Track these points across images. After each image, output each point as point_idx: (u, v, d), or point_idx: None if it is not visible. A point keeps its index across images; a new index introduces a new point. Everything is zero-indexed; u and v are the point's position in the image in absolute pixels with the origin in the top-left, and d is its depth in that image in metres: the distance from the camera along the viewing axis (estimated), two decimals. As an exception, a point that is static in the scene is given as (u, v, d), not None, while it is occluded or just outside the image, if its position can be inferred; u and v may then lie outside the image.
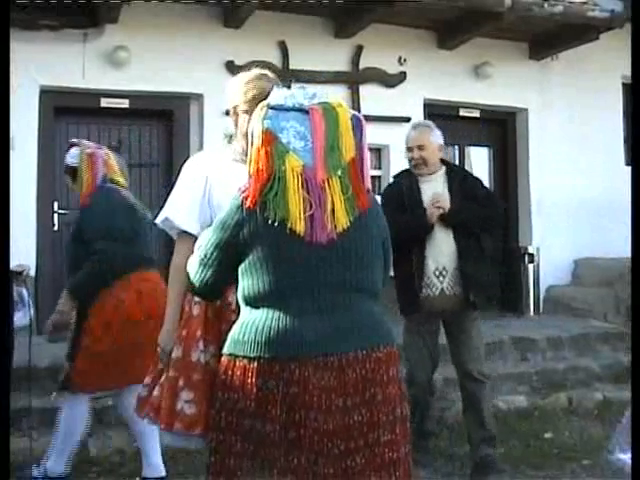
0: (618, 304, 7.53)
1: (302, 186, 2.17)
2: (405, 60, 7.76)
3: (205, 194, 2.80)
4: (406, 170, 4.73)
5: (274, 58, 7.19)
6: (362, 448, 2.15)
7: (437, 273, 4.35)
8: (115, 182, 4.11)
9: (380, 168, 7.77)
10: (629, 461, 2.68)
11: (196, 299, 2.72)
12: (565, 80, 8.40)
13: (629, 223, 2.98)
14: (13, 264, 3.49)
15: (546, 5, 7.07)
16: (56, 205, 6.79)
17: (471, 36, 7.63)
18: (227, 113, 2.94)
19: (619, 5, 7.25)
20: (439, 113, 7.88)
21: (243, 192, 2.23)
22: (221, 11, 7.04)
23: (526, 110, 8.41)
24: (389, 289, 2.60)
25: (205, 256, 2.30)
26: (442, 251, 4.37)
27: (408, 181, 4.56)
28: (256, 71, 2.87)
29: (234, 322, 2.35)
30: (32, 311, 3.29)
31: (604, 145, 8.38)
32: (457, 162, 8.05)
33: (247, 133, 2.35)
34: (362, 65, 7.60)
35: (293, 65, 7.20)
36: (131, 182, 7.04)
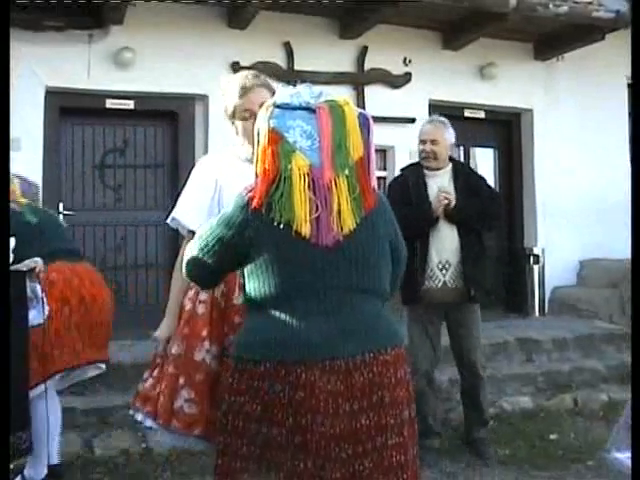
0: (623, 305, 7.50)
1: (308, 186, 2.15)
2: (410, 61, 7.75)
3: (215, 194, 2.83)
4: (413, 164, 4.93)
5: (279, 59, 7.19)
6: (370, 452, 2.14)
7: (440, 266, 4.51)
8: None
9: (385, 169, 7.76)
10: (626, 461, 2.67)
11: (201, 298, 2.72)
12: (570, 81, 8.38)
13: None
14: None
15: (551, 5, 7.06)
16: (61, 206, 6.79)
17: (476, 37, 7.61)
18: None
19: (624, 5, 7.23)
20: (444, 114, 7.81)
21: (249, 192, 2.22)
22: (226, 12, 7.03)
23: (531, 111, 8.39)
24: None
25: (206, 245, 2.28)
26: (446, 245, 4.52)
27: (415, 175, 4.70)
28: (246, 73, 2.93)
29: (237, 324, 2.35)
30: (46, 308, 3.28)
31: (609, 145, 8.36)
32: (462, 163, 8.06)
33: (253, 133, 2.35)
34: (367, 66, 7.59)
35: (298, 66, 7.19)
36: (136, 183, 7.14)
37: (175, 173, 7.02)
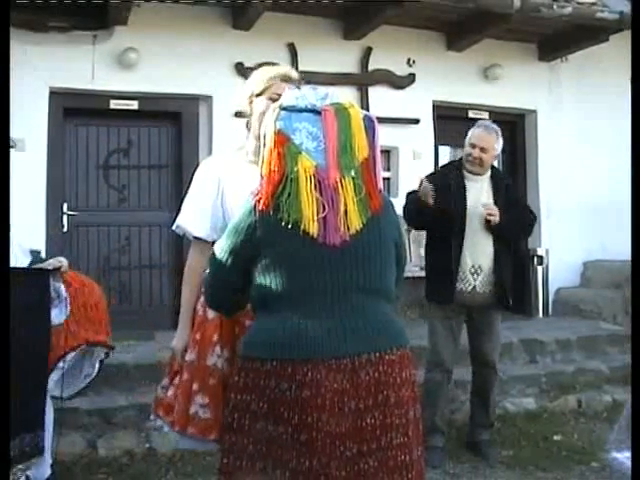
0: (627, 306, 7.48)
1: (315, 187, 2.16)
2: (414, 62, 7.75)
3: (218, 196, 2.82)
4: (451, 163, 5.00)
5: (283, 59, 7.17)
6: (374, 451, 2.14)
7: (472, 270, 4.56)
8: None
9: (389, 170, 7.76)
10: (625, 461, 2.68)
11: None
12: (574, 81, 8.38)
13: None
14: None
15: (555, 6, 7.05)
16: (65, 206, 6.80)
17: (480, 38, 7.61)
18: (237, 114, 2.96)
19: (628, 6, 7.22)
20: (448, 115, 7.89)
21: (256, 195, 2.23)
22: (230, 13, 7.04)
23: (535, 112, 8.39)
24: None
25: (220, 263, 2.30)
26: (480, 251, 4.58)
27: (456, 176, 4.70)
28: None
29: (248, 327, 2.35)
30: (68, 308, 3.26)
31: (614, 147, 8.34)
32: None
33: (260, 135, 2.35)
34: (371, 67, 7.58)
35: (302, 67, 7.18)
36: (140, 183, 7.14)
37: (179, 173, 7.02)
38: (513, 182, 8.46)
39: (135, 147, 7.14)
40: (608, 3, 7.28)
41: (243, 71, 6.77)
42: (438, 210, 4.45)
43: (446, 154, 8.08)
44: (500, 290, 4.59)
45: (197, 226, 2.86)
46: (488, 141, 4.64)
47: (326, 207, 2.16)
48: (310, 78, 6.86)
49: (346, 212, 2.17)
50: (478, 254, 4.55)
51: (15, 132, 5.43)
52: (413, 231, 5.01)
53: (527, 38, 8.05)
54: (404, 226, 4.54)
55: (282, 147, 2.18)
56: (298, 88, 2.42)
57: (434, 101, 7.83)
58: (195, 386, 2.71)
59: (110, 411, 4.98)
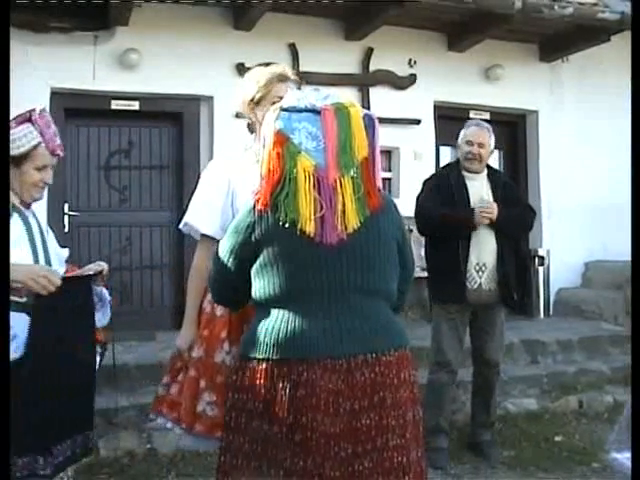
0: (628, 307, 7.48)
1: (314, 186, 2.16)
2: (415, 62, 7.75)
3: (229, 196, 2.81)
4: (451, 164, 5.03)
5: (284, 60, 7.17)
6: (370, 452, 2.14)
7: (477, 268, 4.59)
8: None
9: (390, 170, 7.76)
10: (625, 461, 2.68)
11: None
12: (576, 82, 8.38)
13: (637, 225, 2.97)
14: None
15: (556, 7, 7.05)
16: (67, 207, 6.81)
17: (481, 38, 7.61)
18: (237, 115, 2.96)
19: (629, 7, 7.22)
20: (449, 115, 7.87)
21: (255, 195, 2.24)
22: (231, 13, 7.04)
23: (536, 112, 8.39)
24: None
25: (222, 261, 2.32)
26: (484, 248, 4.61)
27: (456, 175, 4.76)
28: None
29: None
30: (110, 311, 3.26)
31: (615, 147, 8.33)
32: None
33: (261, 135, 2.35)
34: (372, 67, 7.59)
35: (303, 67, 7.19)
36: (141, 184, 7.14)
37: (180, 174, 7.03)
38: (514, 181, 8.52)
39: (136, 147, 7.15)
40: (609, 3, 7.27)
41: (244, 72, 6.68)
42: (459, 219, 4.54)
43: (447, 154, 8.06)
44: (504, 287, 4.60)
45: (207, 224, 2.86)
46: (484, 137, 4.74)
47: (324, 206, 2.16)
48: (311, 79, 6.93)
49: (344, 211, 2.18)
50: (482, 251, 4.58)
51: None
52: (414, 232, 4.99)
53: (528, 38, 8.05)
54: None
55: (281, 147, 2.19)
56: (298, 88, 2.42)
57: (435, 101, 7.83)
58: (202, 383, 2.71)
59: (111, 411, 4.98)
